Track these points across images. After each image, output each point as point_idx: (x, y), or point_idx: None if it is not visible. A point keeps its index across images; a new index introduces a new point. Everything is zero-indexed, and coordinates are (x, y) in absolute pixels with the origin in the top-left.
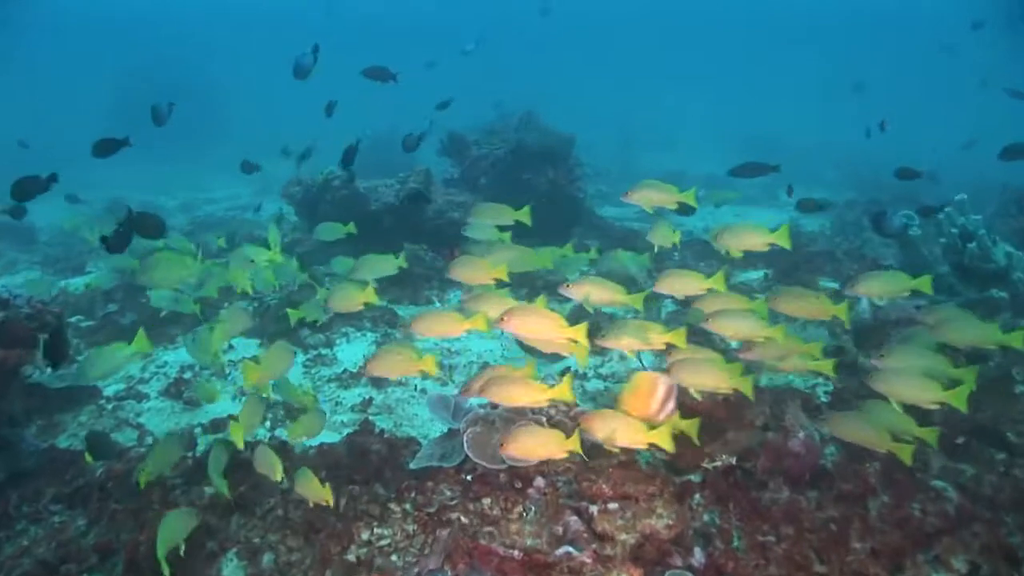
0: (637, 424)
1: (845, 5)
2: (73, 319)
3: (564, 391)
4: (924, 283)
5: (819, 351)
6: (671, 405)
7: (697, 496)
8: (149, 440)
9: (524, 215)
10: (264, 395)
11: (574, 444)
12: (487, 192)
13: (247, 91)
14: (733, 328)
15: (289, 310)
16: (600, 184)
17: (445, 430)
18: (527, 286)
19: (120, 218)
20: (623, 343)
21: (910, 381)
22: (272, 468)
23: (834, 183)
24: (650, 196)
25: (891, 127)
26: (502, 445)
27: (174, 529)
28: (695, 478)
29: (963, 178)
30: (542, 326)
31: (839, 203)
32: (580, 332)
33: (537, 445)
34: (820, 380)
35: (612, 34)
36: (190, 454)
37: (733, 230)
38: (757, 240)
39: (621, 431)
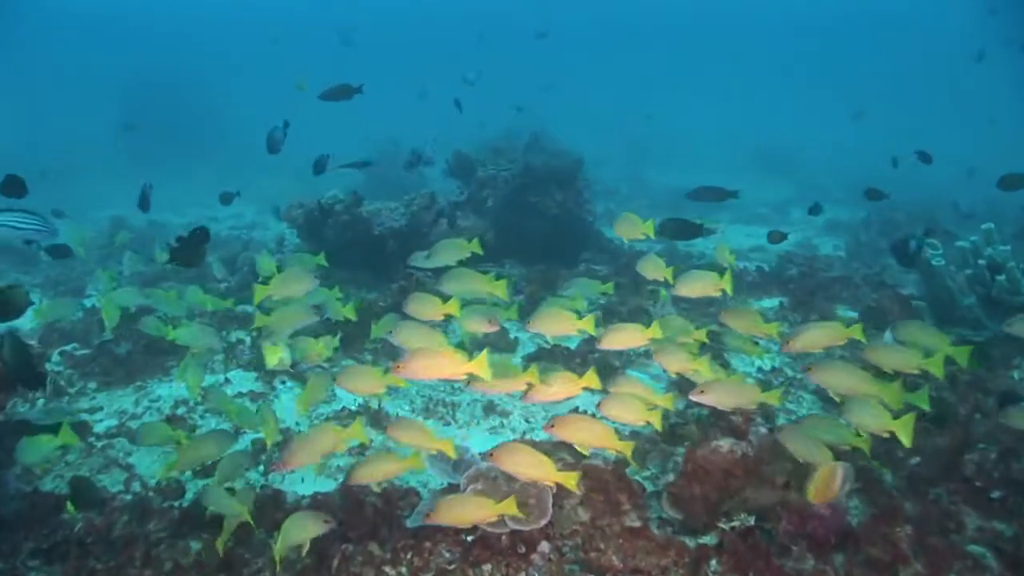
0: (545, 461)
1: (862, 19)
2: (69, 347)
3: (448, 445)
4: (856, 331)
5: (777, 397)
6: (848, 486)
7: (714, 562)
8: (137, 485)
9: (475, 247)
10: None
11: (505, 508)
12: (494, 215)
13: (253, 104)
14: (672, 362)
15: (373, 324)
16: (610, 203)
17: (444, 483)
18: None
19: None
20: (551, 393)
21: (867, 410)
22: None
23: (845, 200)
24: (625, 230)
25: (904, 151)
26: (427, 516)
27: (301, 527)
28: (710, 540)
29: (974, 201)
30: (440, 366)
31: (855, 223)
32: (479, 365)
33: (466, 513)
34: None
35: (621, 48)
36: (176, 503)
37: (685, 279)
38: (708, 287)
39: (529, 467)
